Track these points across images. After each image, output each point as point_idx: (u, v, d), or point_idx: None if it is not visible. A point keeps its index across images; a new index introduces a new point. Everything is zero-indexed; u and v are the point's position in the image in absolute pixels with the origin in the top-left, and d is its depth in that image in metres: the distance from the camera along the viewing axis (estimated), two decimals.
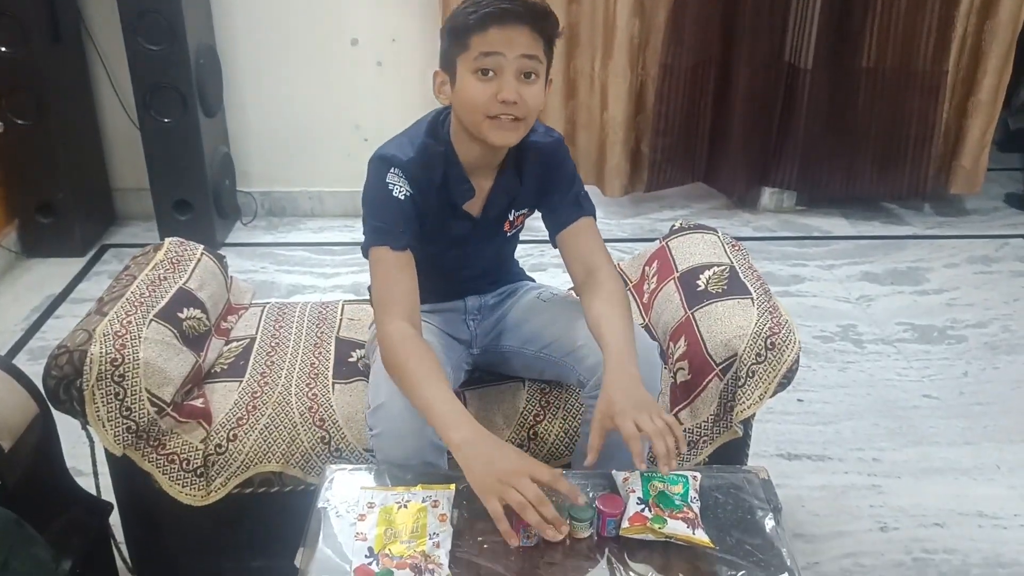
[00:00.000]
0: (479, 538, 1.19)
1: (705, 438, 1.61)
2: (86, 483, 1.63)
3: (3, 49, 2.82)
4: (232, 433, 1.56)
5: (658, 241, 1.96)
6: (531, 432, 1.61)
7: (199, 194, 3.11)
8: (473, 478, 1.19)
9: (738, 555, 1.19)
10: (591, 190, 1.57)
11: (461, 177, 1.46)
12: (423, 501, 1.24)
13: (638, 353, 1.38)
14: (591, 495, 1.27)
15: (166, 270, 1.71)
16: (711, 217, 3.58)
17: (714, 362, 1.58)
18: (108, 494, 1.63)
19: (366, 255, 1.42)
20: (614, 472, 1.31)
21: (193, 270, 1.76)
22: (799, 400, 2.37)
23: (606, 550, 1.20)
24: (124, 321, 1.52)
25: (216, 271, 1.84)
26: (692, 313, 1.68)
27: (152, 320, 1.56)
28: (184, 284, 1.70)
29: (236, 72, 3.29)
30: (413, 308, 1.38)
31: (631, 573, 1.17)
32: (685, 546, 1.19)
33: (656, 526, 1.19)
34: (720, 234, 1.91)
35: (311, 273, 3.07)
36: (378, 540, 1.18)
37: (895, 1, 3.18)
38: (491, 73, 1.33)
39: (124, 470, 1.55)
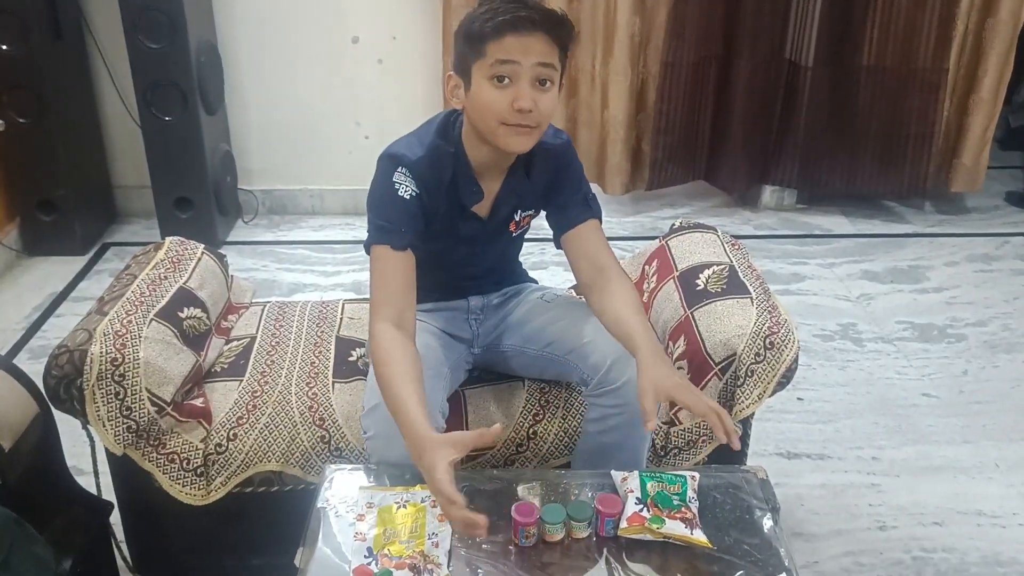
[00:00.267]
0: (478, 538, 1.20)
1: (704, 438, 1.62)
2: (86, 482, 1.64)
3: (4, 47, 2.82)
4: (232, 432, 1.56)
5: (657, 240, 1.96)
6: (530, 431, 1.61)
7: (200, 192, 3.11)
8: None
9: (736, 555, 1.20)
10: (592, 188, 1.58)
11: (470, 179, 1.46)
12: (422, 501, 1.24)
13: None
14: (590, 495, 1.27)
15: (166, 269, 1.72)
16: (712, 215, 3.58)
17: (713, 361, 1.58)
18: (108, 493, 1.63)
19: (368, 252, 1.43)
20: (613, 472, 1.31)
21: (193, 269, 1.76)
22: (799, 399, 2.37)
23: (604, 550, 1.20)
24: (124, 320, 1.52)
25: (216, 270, 1.84)
26: (691, 312, 1.68)
27: (152, 319, 1.56)
28: (184, 283, 1.71)
29: (237, 70, 3.29)
30: (403, 309, 1.38)
31: (629, 573, 1.17)
32: (683, 546, 1.20)
33: (654, 526, 1.20)
34: (720, 233, 1.91)
35: (312, 271, 3.07)
36: (377, 540, 1.18)
37: None
38: (507, 80, 1.33)
39: (124, 469, 1.56)
